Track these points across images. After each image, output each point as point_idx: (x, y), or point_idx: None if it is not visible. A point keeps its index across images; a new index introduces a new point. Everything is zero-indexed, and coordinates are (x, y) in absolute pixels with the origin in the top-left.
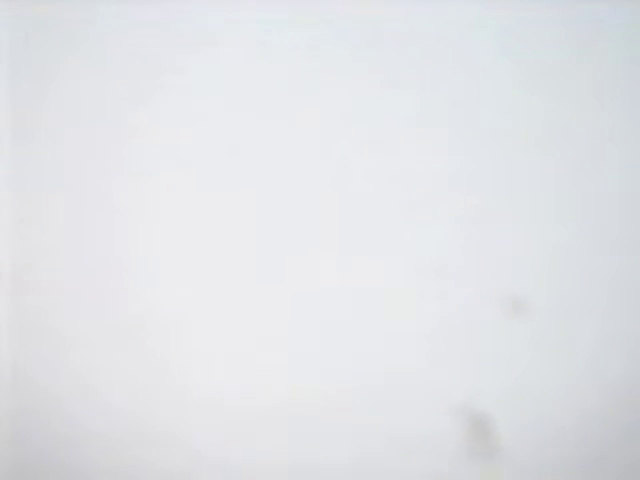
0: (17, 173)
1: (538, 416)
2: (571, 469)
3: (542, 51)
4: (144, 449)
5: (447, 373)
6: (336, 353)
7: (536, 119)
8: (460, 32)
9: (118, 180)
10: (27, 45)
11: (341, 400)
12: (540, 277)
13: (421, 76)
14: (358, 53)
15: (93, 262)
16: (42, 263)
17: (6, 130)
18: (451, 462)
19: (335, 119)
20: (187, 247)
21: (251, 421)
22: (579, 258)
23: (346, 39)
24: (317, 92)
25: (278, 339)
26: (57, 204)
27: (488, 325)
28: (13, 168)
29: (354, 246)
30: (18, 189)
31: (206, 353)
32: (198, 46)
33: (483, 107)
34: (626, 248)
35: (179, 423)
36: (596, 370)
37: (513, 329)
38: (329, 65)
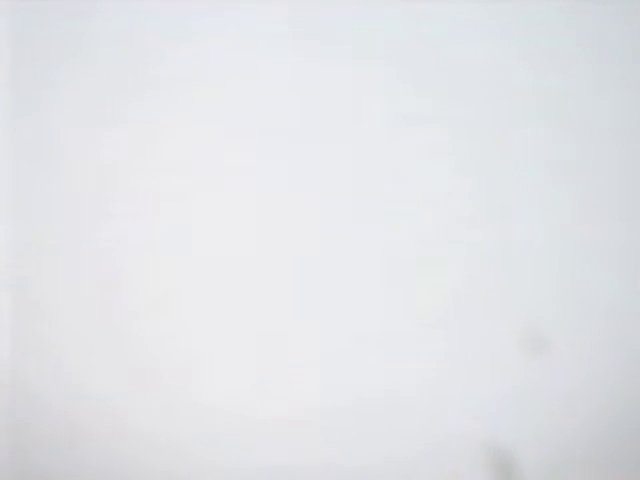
0: (18, 177)
1: (561, 454)
2: None
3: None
4: (146, 456)
5: (465, 410)
6: (348, 378)
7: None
8: (464, 33)
9: (120, 183)
10: (27, 42)
11: (354, 422)
12: (562, 312)
13: (423, 79)
14: (359, 54)
15: (94, 269)
16: (42, 269)
17: (6, 130)
18: None
19: (336, 121)
20: (191, 250)
21: (256, 428)
22: (599, 287)
23: (346, 39)
24: (316, 92)
25: (289, 345)
26: (58, 210)
27: (508, 361)
28: (14, 172)
29: (373, 272)
30: (18, 191)
31: (208, 360)
32: (202, 45)
33: (505, 134)
34: None
35: (180, 429)
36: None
37: (534, 366)
38: (328, 65)
